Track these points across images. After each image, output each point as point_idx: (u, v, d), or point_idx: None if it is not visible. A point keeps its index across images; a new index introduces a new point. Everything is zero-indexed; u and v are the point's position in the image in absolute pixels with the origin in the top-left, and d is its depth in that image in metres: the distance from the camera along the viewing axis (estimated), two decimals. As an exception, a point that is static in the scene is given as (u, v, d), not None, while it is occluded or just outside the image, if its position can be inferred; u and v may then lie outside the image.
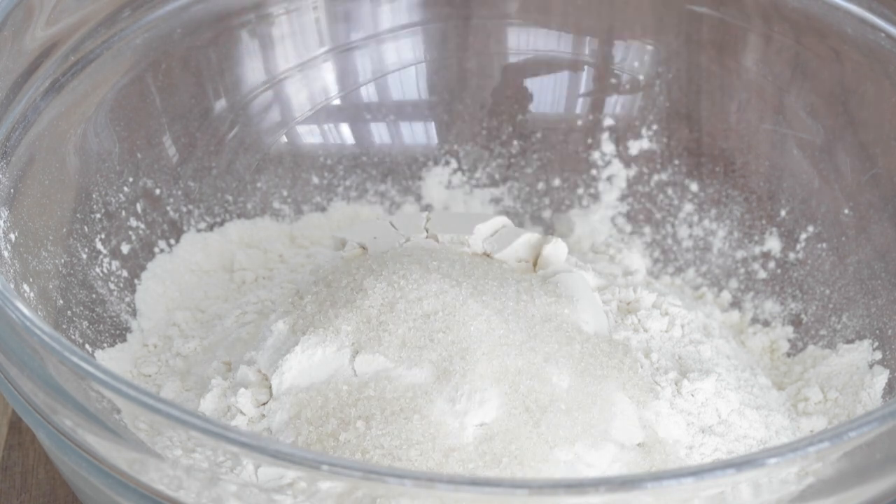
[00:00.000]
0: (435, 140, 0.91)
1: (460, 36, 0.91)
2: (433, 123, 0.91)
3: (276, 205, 0.89)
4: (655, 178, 0.90)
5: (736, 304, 0.87)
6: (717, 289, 0.87)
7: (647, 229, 0.90)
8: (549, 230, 0.90)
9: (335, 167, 0.90)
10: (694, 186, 0.89)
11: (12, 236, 0.75)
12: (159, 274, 0.84)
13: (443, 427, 0.68)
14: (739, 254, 0.88)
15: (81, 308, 0.79)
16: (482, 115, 0.91)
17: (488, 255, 0.78)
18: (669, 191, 0.90)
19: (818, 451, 0.59)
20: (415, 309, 0.71)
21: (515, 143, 0.91)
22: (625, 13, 0.90)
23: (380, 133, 0.91)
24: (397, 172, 0.91)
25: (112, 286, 0.81)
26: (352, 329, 0.71)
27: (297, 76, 0.89)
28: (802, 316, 0.84)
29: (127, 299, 0.82)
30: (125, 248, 0.83)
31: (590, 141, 0.90)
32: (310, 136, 0.90)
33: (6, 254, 0.74)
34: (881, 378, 0.78)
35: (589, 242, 0.90)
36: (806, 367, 0.82)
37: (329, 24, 0.90)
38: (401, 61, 0.90)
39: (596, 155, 0.90)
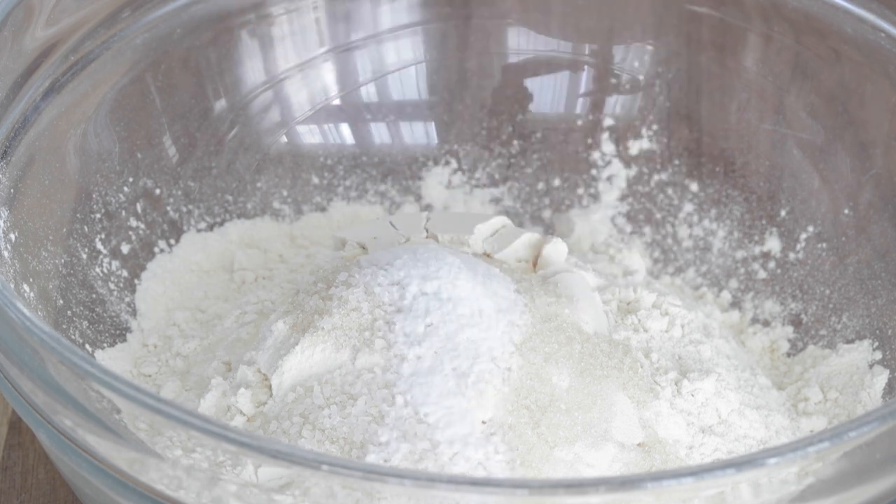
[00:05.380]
0: (435, 140, 0.91)
1: (460, 36, 0.91)
2: (433, 123, 0.91)
3: (276, 205, 0.89)
4: (655, 178, 0.90)
5: (736, 304, 0.87)
6: (717, 289, 0.87)
7: (647, 229, 0.90)
8: (549, 230, 0.90)
9: (335, 167, 0.90)
10: (694, 186, 0.89)
11: (12, 236, 0.75)
12: (159, 274, 0.84)
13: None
14: (739, 254, 0.88)
15: (81, 308, 0.79)
16: (482, 115, 0.91)
17: (488, 255, 0.78)
18: (669, 191, 0.90)
19: (818, 451, 0.59)
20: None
21: (515, 143, 0.91)
22: (625, 13, 0.90)
23: (380, 133, 0.91)
24: (397, 172, 0.91)
25: (112, 286, 0.82)
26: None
27: (297, 76, 0.89)
28: (802, 316, 0.84)
29: (127, 299, 0.82)
30: (125, 248, 0.83)
31: (590, 141, 0.90)
32: (310, 136, 0.90)
33: (6, 254, 0.74)
34: (881, 378, 0.78)
35: (589, 242, 0.90)
36: (806, 367, 0.82)
37: (329, 24, 0.90)
38: (401, 61, 0.90)
39: (596, 155, 0.90)
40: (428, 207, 0.90)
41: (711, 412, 0.74)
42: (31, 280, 0.75)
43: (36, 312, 0.72)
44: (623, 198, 0.90)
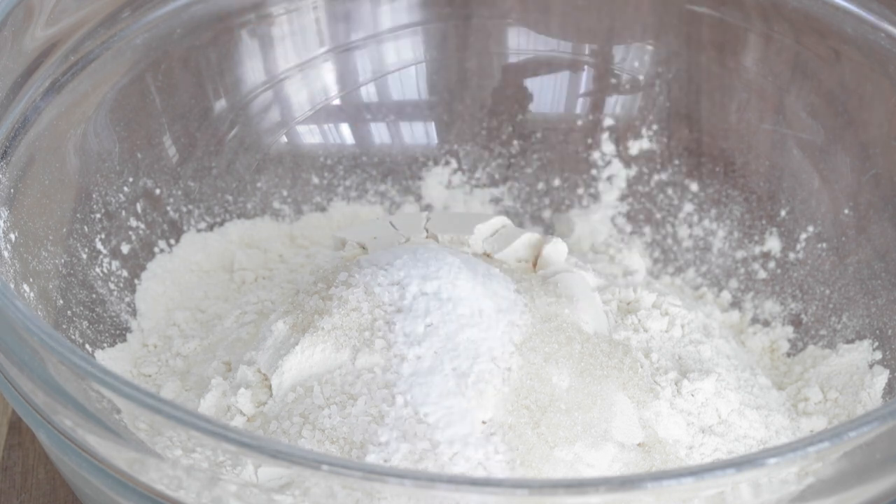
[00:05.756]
0: (435, 140, 0.91)
1: (460, 36, 0.91)
2: (433, 123, 0.91)
3: (276, 205, 0.89)
4: (655, 178, 0.90)
5: (736, 304, 0.87)
6: (717, 289, 0.87)
7: (647, 229, 0.90)
8: (549, 230, 0.90)
9: (335, 167, 0.90)
10: (694, 186, 0.89)
11: (12, 236, 0.75)
12: (159, 274, 0.84)
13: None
14: (739, 254, 0.88)
15: (81, 308, 0.79)
16: (482, 115, 0.91)
17: (488, 255, 0.78)
18: (669, 191, 0.90)
19: (818, 451, 0.59)
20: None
21: (515, 143, 0.91)
22: (625, 13, 0.90)
23: (380, 133, 0.91)
24: (397, 172, 0.91)
25: (112, 286, 0.82)
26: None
27: (297, 76, 0.89)
28: (802, 316, 0.84)
29: (127, 299, 0.82)
30: (125, 248, 0.83)
31: (590, 141, 0.90)
32: (310, 136, 0.90)
33: (6, 254, 0.74)
34: (881, 378, 0.78)
35: (589, 242, 0.90)
36: (806, 367, 0.82)
37: (329, 24, 0.90)
38: (401, 61, 0.90)
39: (596, 155, 0.90)
40: (428, 207, 0.90)
41: (711, 412, 0.74)
42: (31, 280, 0.75)
43: (36, 312, 0.72)
44: (623, 198, 0.90)
